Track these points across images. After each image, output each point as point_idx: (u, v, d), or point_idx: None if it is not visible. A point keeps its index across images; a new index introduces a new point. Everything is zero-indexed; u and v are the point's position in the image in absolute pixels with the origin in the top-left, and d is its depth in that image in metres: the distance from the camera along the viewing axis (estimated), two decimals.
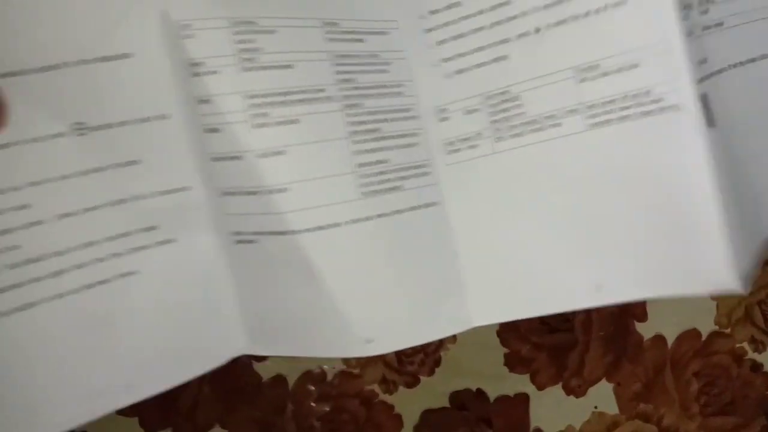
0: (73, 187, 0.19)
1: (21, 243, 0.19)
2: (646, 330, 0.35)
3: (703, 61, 0.20)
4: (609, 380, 0.34)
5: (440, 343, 0.34)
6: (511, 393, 0.34)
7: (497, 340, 0.34)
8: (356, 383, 0.33)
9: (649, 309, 0.35)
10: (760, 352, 0.35)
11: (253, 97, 0.20)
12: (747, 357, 0.35)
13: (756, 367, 0.35)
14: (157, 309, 0.20)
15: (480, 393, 0.34)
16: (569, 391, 0.34)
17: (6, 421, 0.19)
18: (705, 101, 0.20)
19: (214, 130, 0.20)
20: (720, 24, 0.20)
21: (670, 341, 0.35)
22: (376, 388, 0.33)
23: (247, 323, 0.22)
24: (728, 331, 0.35)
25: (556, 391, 0.34)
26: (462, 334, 0.34)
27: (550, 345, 0.34)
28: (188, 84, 0.20)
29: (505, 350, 0.34)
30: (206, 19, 0.20)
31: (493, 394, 0.34)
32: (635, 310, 0.35)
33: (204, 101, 0.20)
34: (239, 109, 0.20)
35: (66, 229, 0.19)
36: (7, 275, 0.18)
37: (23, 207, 0.18)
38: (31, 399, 0.19)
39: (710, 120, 0.20)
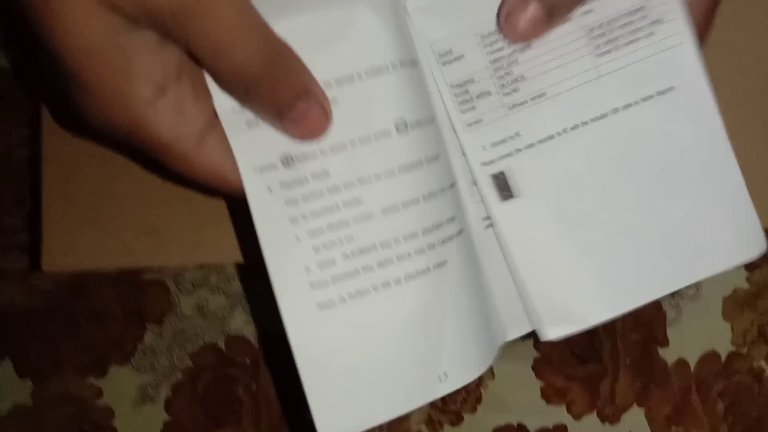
0: (396, 182, 0.21)
1: (354, 235, 0.20)
2: (669, 355, 0.37)
3: (512, 137, 0.23)
4: (640, 405, 0.36)
5: (480, 381, 0.36)
6: (550, 425, 0.36)
7: (532, 374, 0.36)
8: (403, 425, 0.35)
9: (669, 335, 0.37)
10: None
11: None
12: (766, 375, 0.37)
13: None
14: (463, 296, 0.22)
15: (521, 427, 0.36)
16: (604, 418, 0.36)
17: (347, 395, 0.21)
18: (501, 177, 0.23)
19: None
20: (539, 95, 0.23)
21: (692, 364, 0.37)
22: (423, 428, 0.35)
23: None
24: (745, 351, 0.37)
25: (592, 419, 0.36)
26: (499, 370, 0.36)
27: (583, 376, 0.36)
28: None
29: (541, 383, 0.36)
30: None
31: (533, 426, 0.36)
32: (657, 337, 0.37)
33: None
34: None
35: (390, 222, 0.21)
36: (343, 263, 0.20)
37: (357, 202, 0.20)
38: (367, 382, 0.21)
39: (507, 194, 0.23)
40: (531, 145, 0.23)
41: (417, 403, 0.21)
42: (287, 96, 0.20)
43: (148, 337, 0.35)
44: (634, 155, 0.23)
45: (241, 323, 0.36)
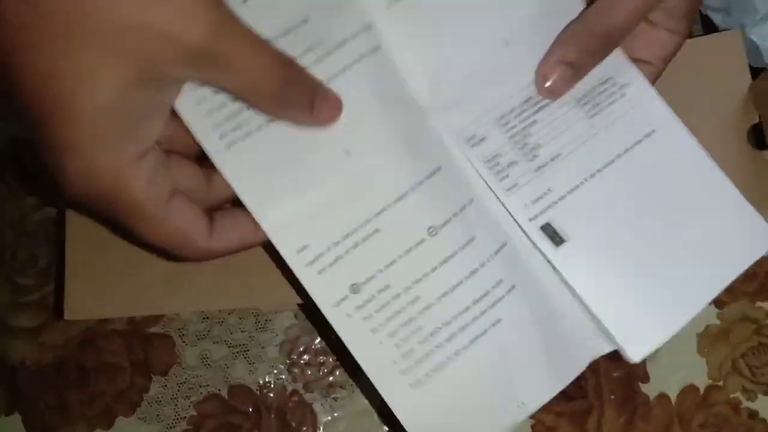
0: (441, 274, 0.26)
1: (421, 324, 0.25)
2: (650, 390, 0.39)
3: (546, 193, 0.28)
4: None
5: None
6: None
7: None
8: None
9: (649, 370, 0.39)
10: (753, 401, 0.39)
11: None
12: (742, 406, 0.39)
13: (752, 414, 0.39)
14: (524, 344, 0.27)
15: None
16: None
17: None
18: (549, 227, 0.28)
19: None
20: (556, 156, 0.28)
21: (673, 398, 0.39)
22: None
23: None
24: (721, 383, 0.39)
25: None
26: None
27: (570, 412, 0.38)
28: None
29: (532, 421, 0.38)
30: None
31: None
32: (638, 373, 0.39)
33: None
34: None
35: (445, 305, 0.26)
36: (419, 348, 0.25)
37: (416, 299, 0.25)
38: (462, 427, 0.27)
39: (559, 240, 0.28)
40: (563, 197, 0.28)
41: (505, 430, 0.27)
42: (310, 92, 0.24)
43: (154, 388, 0.37)
44: (645, 189, 0.29)
45: (243, 372, 0.37)
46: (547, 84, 0.28)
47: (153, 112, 0.21)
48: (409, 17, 0.27)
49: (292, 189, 0.25)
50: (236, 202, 0.25)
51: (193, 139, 0.24)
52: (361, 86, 0.26)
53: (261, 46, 0.22)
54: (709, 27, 0.43)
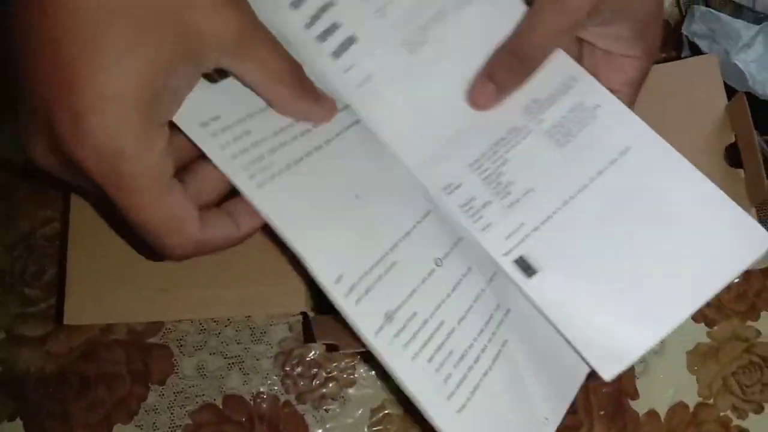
0: (454, 299, 0.27)
1: (451, 348, 0.26)
2: (639, 406, 0.39)
3: (519, 227, 0.29)
4: None
5: None
6: None
7: None
8: None
9: (639, 387, 0.40)
10: (743, 419, 0.40)
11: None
12: (733, 424, 0.39)
13: None
14: (531, 357, 0.28)
15: None
16: None
17: None
18: (522, 261, 0.28)
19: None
20: (529, 190, 0.29)
21: (662, 415, 0.39)
22: None
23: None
24: (711, 401, 0.40)
25: None
26: None
27: (560, 428, 0.38)
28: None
29: None
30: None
31: None
32: (627, 389, 0.39)
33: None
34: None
35: (465, 328, 0.27)
36: (455, 372, 0.26)
37: (441, 324, 0.26)
38: None
39: (531, 272, 0.28)
40: (537, 228, 0.29)
41: None
42: (314, 87, 0.26)
43: (152, 397, 0.38)
44: (623, 206, 0.28)
45: (238, 383, 0.38)
46: (474, 98, 0.30)
47: (177, 91, 0.23)
48: (372, 100, 0.29)
49: (320, 224, 0.26)
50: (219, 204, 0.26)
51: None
52: (355, 147, 0.28)
53: (278, 42, 0.24)
54: (696, 53, 0.44)
